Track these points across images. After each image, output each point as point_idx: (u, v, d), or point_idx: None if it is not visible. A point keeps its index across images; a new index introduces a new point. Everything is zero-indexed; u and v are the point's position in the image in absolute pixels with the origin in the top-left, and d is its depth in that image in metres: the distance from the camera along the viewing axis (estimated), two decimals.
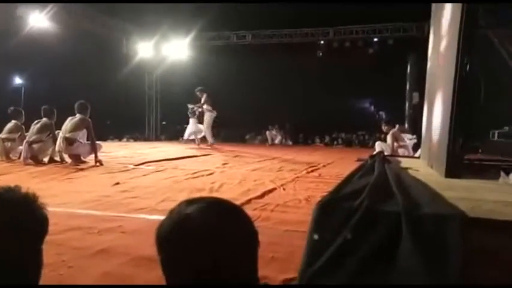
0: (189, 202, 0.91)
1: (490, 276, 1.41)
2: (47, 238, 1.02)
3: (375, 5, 11.05)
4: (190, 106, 11.01)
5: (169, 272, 0.86)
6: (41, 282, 1.18)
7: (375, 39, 13.32)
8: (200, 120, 10.99)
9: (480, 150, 9.52)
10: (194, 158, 7.97)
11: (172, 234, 0.86)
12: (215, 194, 4.00)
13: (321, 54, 13.98)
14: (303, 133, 15.91)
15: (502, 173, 2.88)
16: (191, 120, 11.05)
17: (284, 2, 11.39)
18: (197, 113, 10.93)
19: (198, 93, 10.82)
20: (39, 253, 1.00)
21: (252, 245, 0.89)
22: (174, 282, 0.86)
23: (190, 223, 0.85)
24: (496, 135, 9.85)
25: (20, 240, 0.95)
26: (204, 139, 11.07)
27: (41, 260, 1.00)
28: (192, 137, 11.08)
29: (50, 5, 10.05)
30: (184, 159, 7.67)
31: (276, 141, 14.89)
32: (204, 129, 10.77)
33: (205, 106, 10.65)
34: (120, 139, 13.71)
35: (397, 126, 8.45)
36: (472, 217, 1.55)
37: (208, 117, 10.69)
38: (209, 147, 10.55)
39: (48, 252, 1.02)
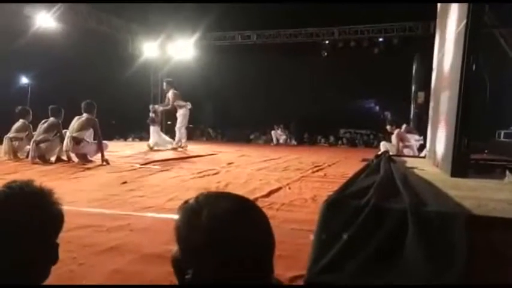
0: (210, 197, 0.94)
1: (495, 273, 1.42)
2: None
3: (380, 4, 11.03)
4: (152, 108, 9.79)
5: (189, 265, 0.89)
6: (54, 278, 1.20)
7: (380, 39, 13.30)
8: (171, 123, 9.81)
9: (486, 150, 9.48)
10: (199, 158, 8.01)
11: (199, 229, 0.88)
12: None
13: (326, 54, 13.97)
14: (307, 133, 15.92)
15: (508, 173, 2.88)
16: (152, 129, 9.68)
17: (289, 2, 11.40)
18: (157, 119, 9.70)
19: (164, 83, 9.69)
20: (54, 247, 1.02)
21: (273, 244, 0.94)
22: (194, 274, 0.89)
23: (219, 219, 0.88)
24: (502, 135, 9.80)
25: (37, 234, 0.98)
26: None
27: (56, 254, 1.03)
28: (161, 147, 9.60)
29: (57, 5, 10.13)
30: (190, 159, 7.72)
31: (281, 141, 14.91)
32: (178, 127, 9.53)
33: (176, 104, 9.41)
34: (125, 138, 13.78)
35: (404, 126, 8.44)
36: (477, 215, 1.57)
37: (182, 115, 9.47)
38: (181, 148, 9.42)
39: (59, 249, 1.04)
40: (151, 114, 9.75)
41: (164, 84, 9.75)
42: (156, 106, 10.03)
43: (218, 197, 0.94)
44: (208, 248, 0.86)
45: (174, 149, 9.37)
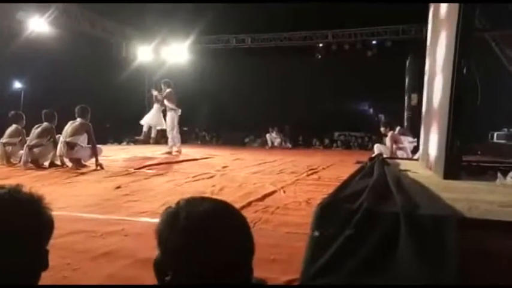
0: (190, 201, 0.95)
1: (487, 275, 1.44)
2: (51, 241, 1.04)
3: (373, 7, 11.10)
4: (154, 93, 9.91)
5: (168, 267, 0.90)
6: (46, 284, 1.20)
7: (374, 42, 13.39)
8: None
9: (479, 152, 9.55)
10: (194, 161, 8.00)
11: (177, 231, 0.90)
12: (216, 197, 4.00)
13: (319, 57, 14.05)
14: (302, 136, 15.95)
15: (499, 175, 2.91)
16: (156, 107, 9.77)
17: (283, 5, 11.44)
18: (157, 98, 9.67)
19: (162, 84, 9.61)
20: (44, 254, 1.01)
21: (252, 247, 0.94)
22: (173, 277, 0.89)
23: (195, 221, 0.90)
24: (494, 136, 9.88)
25: (26, 241, 0.97)
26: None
27: (47, 261, 1.02)
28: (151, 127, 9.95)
29: (50, 10, 10.10)
30: (185, 163, 7.71)
31: (276, 144, 14.93)
32: (168, 131, 9.51)
33: (166, 103, 9.33)
34: (120, 142, 13.72)
35: (398, 128, 8.48)
36: (469, 218, 1.59)
37: (169, 118, 9.36)
38: (176, 152, 9.36)
39: (52, 256, 1.03)
40: (154, 93, 9.84)
41: (162, 85, 9.66)
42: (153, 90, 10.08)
43: (197, 201, 0.96)
44: (186, 250, 0.87)
45: (169, 153, 9.30)
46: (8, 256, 0.93)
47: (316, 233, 1.58)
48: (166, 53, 14.28)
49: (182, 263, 0.88)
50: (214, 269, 0.86)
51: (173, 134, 9.45)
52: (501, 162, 4.25)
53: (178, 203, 0.96)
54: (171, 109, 9.37)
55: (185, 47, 14.23)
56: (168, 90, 9.41)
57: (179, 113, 9.47)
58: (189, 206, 0.94)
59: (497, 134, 9.80)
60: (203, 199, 0.98)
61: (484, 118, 8.45)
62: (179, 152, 9.51)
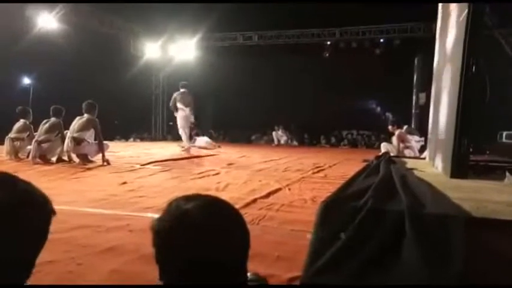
0: (187, 198, 0.93)
1: (494, 275, 1.42)
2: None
3: (381, 5, 11.02)
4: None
5: (164, 263, 0.89)
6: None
7: (382, 40, 13.29)
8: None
9: (488, 152, 9.44)
10: (200, 158, 8.01)
11: (171, 228, 0.89)
12: (221, 194, 4.03)
13: (327, 55, 13.97)
14: (308, 134, 15.91)
15: (508, 174, 2.87)
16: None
17: (291, 2, 11.39)
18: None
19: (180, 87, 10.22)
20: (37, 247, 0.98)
21: (246, 244, 0.92)
22: (168, 273, 0.89)
23: (190, 218, 0.88)
24: (504, 136, 9.77)
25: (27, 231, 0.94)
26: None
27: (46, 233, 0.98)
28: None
29: (59, 6, 10.16)
30: (190, 159, 7.72)
31: (282, 142, 14.91)
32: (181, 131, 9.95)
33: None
34: (126, 139, 13.80)
35: (405, 127, 8.43)
36: (476, 217, 1.57)
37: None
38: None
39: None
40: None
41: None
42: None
43: (186, 199, 0.93)
44: (164, 250, 0.88)
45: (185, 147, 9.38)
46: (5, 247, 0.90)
47: (320, 233, 1.56)
48: (174, 50, 14.31)
49: (165, 263, 0.88)
50: (199, 269, 0.84)
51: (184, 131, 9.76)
52: (509, 162, 4.19)
53: (171, 202, 0.94)
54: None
55: (192, 44, 14.23)
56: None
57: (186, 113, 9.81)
58: (175, 205, 0.92)
59: (507, 134, 9.68)
60: (193, 197, 0.95)
61: (493, 118, 8.35)
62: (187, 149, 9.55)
